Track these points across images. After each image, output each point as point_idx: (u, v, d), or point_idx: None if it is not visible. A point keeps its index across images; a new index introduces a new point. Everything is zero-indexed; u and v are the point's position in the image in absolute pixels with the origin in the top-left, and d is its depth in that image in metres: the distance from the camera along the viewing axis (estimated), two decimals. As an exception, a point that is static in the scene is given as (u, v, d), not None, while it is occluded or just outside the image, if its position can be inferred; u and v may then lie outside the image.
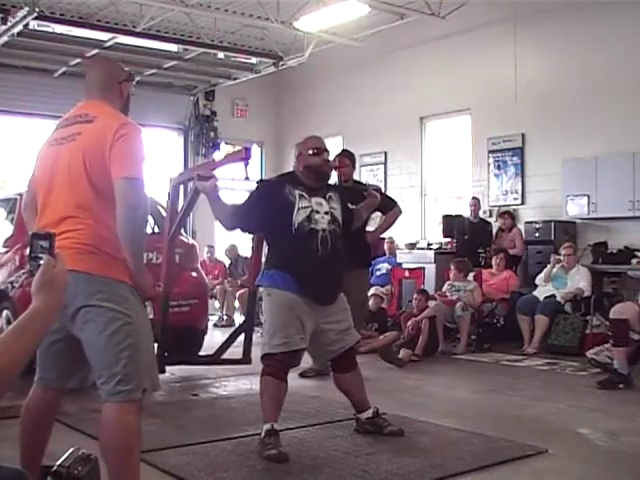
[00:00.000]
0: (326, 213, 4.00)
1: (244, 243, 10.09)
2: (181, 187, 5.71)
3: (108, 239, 2.65)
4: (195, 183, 4.21)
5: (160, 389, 5.23)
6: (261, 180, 4.94)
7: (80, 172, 2.67)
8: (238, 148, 4.92)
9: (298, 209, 3.92)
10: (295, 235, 3.90)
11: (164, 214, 6.48)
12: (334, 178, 6.24)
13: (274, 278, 3.97)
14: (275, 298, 3.96)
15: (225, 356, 5.95)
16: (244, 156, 4.58)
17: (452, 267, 8.19)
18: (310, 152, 4.09)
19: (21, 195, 5.44)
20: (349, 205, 4.33)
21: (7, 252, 6.07)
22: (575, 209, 8.83)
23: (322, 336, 4.05)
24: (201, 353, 6.41)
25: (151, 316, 5.60)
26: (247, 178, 4.68)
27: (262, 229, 4.28)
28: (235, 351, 5.92)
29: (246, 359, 5.40)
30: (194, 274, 6.52)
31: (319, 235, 3.92)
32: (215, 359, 5.66)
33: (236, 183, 4.97)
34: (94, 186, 2.66)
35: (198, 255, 6.93)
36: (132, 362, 2.60)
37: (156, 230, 6.63)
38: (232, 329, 10.47)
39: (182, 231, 6.21)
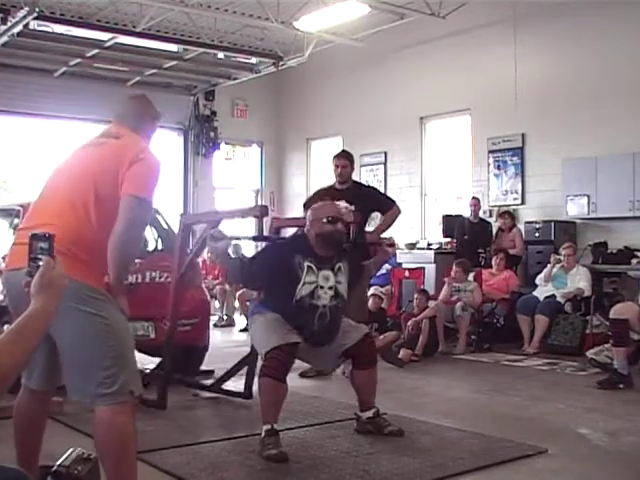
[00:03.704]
0: (330, 288, 4.03)
1: (245, 244, 10.08)
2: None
3: (89, 242, 2.64)
4: (207, 243, 4.25)
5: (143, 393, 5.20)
6: (271, 238, 4.94)
7: (88, 171, 2.72)
8: (254, 205, 4.87)
9: (303, 283, 3.96)
10: (295, 306, 3.96)
11: (163, 224, 6.41)
12: (332, 180, 6.25)
13: (266, 308, 4.06)
14: (264, 315, 4.03)
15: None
16: (258, 214, 4.50)
17: (455, 268, 8.14)
18: (325, 220, 4.05)
19: (23, 206, 5.29)
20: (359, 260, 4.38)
21: None
22: (575, 209, 8.83)
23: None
24: (203, 367, 6.36)
25: (152, 336, 5.60)
26: (259, 237, 4.65)
27: (266, 291, 4.28)
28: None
29: (247, 393, 5.30)
30: (197, 292, 6.40)
31: (319, 311, 3.99)
32: (215, 389, 5.58)
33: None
34: (96, 190, 2.68)
35: (201, 272, 6.87)
36: (114, 364, 2.56)
37: (159, 246, 6.48)
38: (232, 329, 10.47)
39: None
